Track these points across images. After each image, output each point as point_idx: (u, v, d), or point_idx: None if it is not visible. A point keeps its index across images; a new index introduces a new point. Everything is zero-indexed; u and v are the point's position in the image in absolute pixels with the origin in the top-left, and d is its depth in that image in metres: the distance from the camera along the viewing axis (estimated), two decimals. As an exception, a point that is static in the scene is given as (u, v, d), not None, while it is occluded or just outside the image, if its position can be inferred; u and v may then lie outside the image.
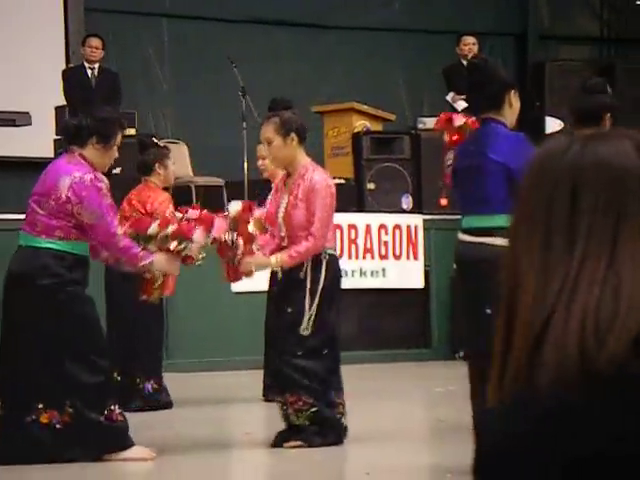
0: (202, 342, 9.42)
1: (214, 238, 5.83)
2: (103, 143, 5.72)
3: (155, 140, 8.15)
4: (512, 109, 5.25)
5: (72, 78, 10.22)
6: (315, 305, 5.89)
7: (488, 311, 5.10)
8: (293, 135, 5.99)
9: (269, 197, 6.30)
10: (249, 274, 5.96)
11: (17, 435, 5.56)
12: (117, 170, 10.03)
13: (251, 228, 5.89)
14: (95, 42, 10.33)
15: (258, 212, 5.97)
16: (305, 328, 5.89)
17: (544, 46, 13.39)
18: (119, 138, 5.81)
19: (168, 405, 7.49)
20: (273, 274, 6.25)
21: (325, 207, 5.98)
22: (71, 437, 5.55)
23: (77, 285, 5.68)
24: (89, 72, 10.28)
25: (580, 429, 1.10)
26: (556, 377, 1.12)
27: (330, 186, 6.09)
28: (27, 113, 9.69)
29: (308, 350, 5.94)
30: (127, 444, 5.65)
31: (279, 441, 5.95)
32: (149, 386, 7.44)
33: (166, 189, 7.90)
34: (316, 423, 5.92)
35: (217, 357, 9.37)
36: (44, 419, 5.56)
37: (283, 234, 5.98)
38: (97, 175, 5.71)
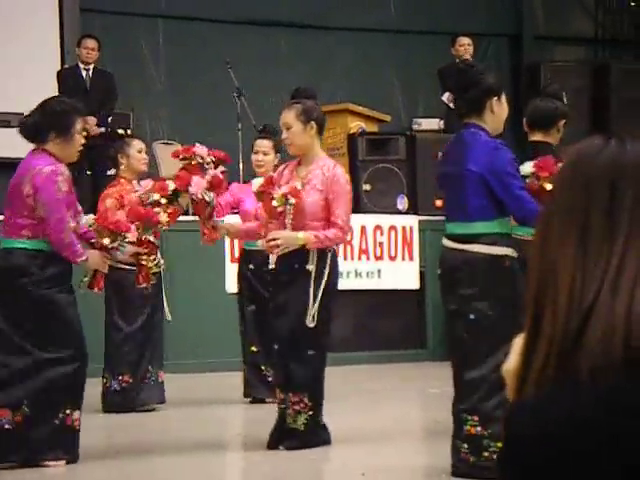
0: (196, 343, 9.41)
1: (192, 195, 5.90)
2: (63, 136, 5.70)
3: (121, 132, 8.16)
4: (495, 115, 5.21)
5: (67, 79, 10.22)
6: (319, 297, 5.88)
7: (472, 317, 5.14)
8: (313, 124, 6.03)
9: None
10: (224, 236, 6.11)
11: None
12: (112, 171, 10.05)
13: (275, 203, 5.90)
14: (91, 43, 10.32)
15: (285, 188, 5.96)
16: (310, 320, 5.88)
17: (539, 47, 13.39)
18: (79, 125, 5.76)
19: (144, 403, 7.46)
20: (242, 276, 6.30)
21: (348, 201, 6.06)
22: (19, 439, 5.50)
23: (53, 283, 5.63)
24: (84, 73, 10.27)
25: (622, 420, 1.10)
26: (600, 364, 1.13)
27: (349, 180, 6.24)
28: (22, 114, 9.68)
29: (317, 348, 5.93)
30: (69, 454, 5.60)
31: (274, 443, 5.94)
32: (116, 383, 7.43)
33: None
34: (310, 426, 5.92)
35: (211, 358, 9.36)
36: None
37: (288, 220, 5.98)
38: (58, 168, 5.66)
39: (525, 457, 1.13)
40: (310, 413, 5.91)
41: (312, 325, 5.85)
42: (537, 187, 5.32)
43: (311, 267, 5.90)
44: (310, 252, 5.93)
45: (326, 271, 5.94)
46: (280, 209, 5.91)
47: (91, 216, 6.15)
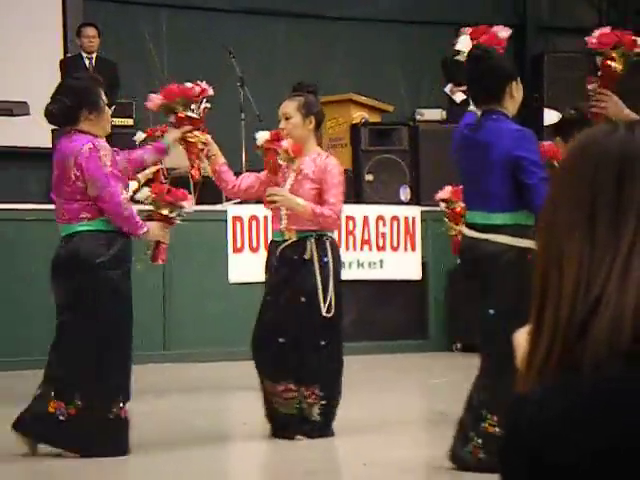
0: (199, 333, 9.42)
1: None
2: (95, 111, 5.66)
3: (122, 121, 8.07)
4: (513, 100, 5.14)
5: (70, 68, 10.19)
6: (332, 285, 5.87)
7: (491, 312, 5.03)
8: (312, 118, 6.06)
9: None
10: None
11: (29, 419, 5.54)
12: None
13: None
14: (91, 31, 10.30)
15: (286, 143, 5.95)
16: (327, 310, 5.87)
17: (542, 37, 13.37)
18: (104, 96, 5.74)
19: None
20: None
21: (340, 187, 6.04)
22: (72, 431, 5.49)
23: (117, 264, 5.59)
24: (87, 62, 10.26)
25: (623, 414, 1.10)
26: (604, 356, 1.12)
27: (342, 171, 6.21)
28: (25, 103, 9.66)
29: (331, 338, 5.94)
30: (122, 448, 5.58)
31: (287, 432, 5.93)
32: None
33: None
34: (324, 415, 5.94)
35: (213, 347, 9.37)
36: (51, 408, 5.52)
37: (284, 212, 5.99)
38: (96, 143, 5.62)
39: (526, 449, 1.13)
40: (323, 403, 5.91)
41: (329, 315, 5.85)
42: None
43: (308, 255, 5.90)
44: (308, 243, 5.93)
45: (330, 260, 5.94)
46: (283, 164, 5.91)
47: (146, 189, 6.03)
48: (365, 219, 10.10)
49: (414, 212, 10.30)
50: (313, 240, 5.93)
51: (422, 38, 12.63)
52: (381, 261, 10.15)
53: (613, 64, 5.07)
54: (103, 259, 5.55)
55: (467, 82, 5.39)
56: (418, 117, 11.52)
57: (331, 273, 5.89)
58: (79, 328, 5.53)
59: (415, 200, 10.44)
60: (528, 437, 1.13)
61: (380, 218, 10.16)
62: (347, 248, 9.97)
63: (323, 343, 5.90)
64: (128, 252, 5.72)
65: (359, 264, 10.05)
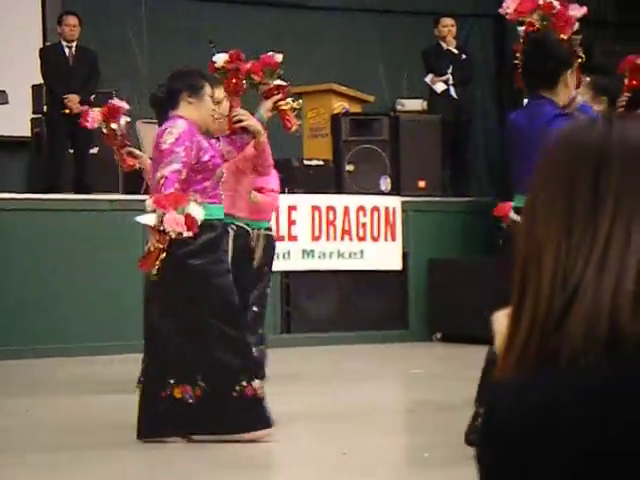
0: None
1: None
2: (195, 95, 5.58)
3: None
4: (567, 89, 5.00)
5: (50, 57, 10.16)
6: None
7: None
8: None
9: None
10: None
11: (153, 410, 5.48)
12: (94, 150, 10.01)
13: (271, 79, 5.90)
14: (72, 20, 10.26)
15: (250, 64, 5.94)
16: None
17: (523, 29, 13.37)
18: (208, 89, 5.67)
19: None
20: None
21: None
22: (203, 412, 5.43)
23: (209, 253, 5.51)
24: (67, 51, 10.21)
25: (598, 405, 1.10)
26: (582, 345, 1.12)
27: None
28: (4, 92, 9.63)
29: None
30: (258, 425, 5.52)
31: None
32: None
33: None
34: None
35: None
36: (177, 394, 5.46)
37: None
38: (180, 123, 5.49)
39: (503, 441, 1.13)
40: None
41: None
42: None
43: (253, 244, 6.25)
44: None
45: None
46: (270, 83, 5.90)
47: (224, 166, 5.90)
48: (346, 209, 10.11)
49: (394, 202, 10.31)
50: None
51: (403, 28, 12.62)
52: (362, 251, 10.16)
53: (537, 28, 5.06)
54: (190, 248, 5.42)
55: (523, 65, 5.16)
56: (399, 107, 11.53)
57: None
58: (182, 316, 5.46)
59: (396, 190, 10.46)
60: (505, 431, 1.13)
61: (361, 208, 10.17)
62: (328, 238, 9.97)
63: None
64: (218, 240, 5.59)
65: (339, 254, 10.06)
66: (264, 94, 5.95)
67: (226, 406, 5.46)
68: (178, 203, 5.30)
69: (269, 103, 5.93)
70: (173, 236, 5.28)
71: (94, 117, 6.16)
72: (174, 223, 5.25)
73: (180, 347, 5.47)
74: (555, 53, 4.99)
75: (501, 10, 5.27)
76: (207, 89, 5.67)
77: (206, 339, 5.47)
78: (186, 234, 5.29)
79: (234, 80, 5.89)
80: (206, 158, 5.57)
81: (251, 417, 5.52)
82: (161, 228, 5.26)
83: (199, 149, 5.54)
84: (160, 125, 5.71)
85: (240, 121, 5.84)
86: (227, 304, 5.55)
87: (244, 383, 5.49)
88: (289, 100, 6.01)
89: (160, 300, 5.51)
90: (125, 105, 6.39)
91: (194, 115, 5.59)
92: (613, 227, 1.16)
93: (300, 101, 6.24)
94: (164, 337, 5.50)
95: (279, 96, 5.95)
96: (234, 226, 6.04)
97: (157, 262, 5.34)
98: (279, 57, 6.02)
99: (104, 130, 6.25)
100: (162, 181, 5.38)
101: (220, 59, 6.00)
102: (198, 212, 5.36)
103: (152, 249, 5.35)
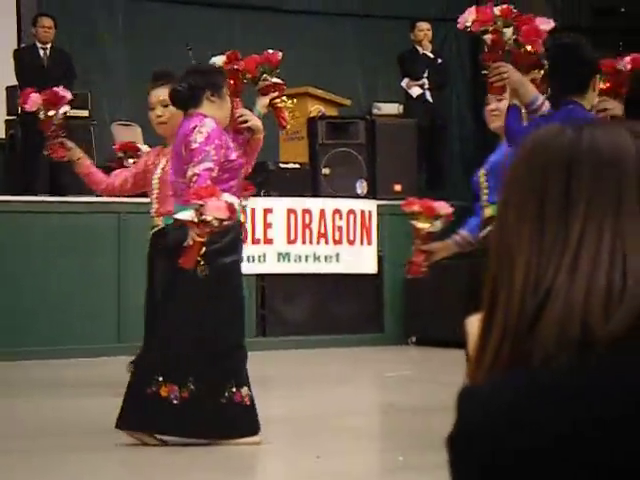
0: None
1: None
2: (217, 93, 5.54)
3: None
4: (594, 93, 5.03)
5: (24, 58, 10.12)
6: None
7: None
8: None
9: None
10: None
11: (137, 405, 5.43)
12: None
13: (270, 76, 5.87)
14: (47, 22, 10.22)
15: (243, 62, 5.89)
16: None
17: (499, 33, 13.41)
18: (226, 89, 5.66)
19: None
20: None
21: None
22: (186, 415, 5.39)
23: (233, 253, 5.48)
24: (41, 52, 10.17)
25: (566, 410, 1.10)
26: (554, 347, 1.12)
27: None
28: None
29: None
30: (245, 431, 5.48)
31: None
32: None
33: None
34: None
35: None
36: (163, 392, 5.41)
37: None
38: (206, 122, 5.42)
39: (472, 446, 1.13)
40: None
41: None
42: None
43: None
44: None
45: None
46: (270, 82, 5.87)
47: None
48: (321, 212, 10.11)
49: (370, 206, 10.32)
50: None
51: (379, 32, 12.65)
52: (337, 255, 10.16)
53: (502, 35, 5.11)
54: (217, 246, 5.37)
55: (550, 70, 5.14)
56: (375, 111, 11.54)
57: None
58: (183, 312, 5.44)
59: (372, 194, 10.47)
60: (473, 434, 1.12)
61: (337, 212, 10.18)
62: (304, 242, 9.97)
63: None
64: (239, 239, 5.58)
65: (315, 257, 10.06)
66: (261, 91, 5.94)
67: (214, 411, 5.42)
68: (215, 194, 5.21)
69: (266, 100, 5.92)
70: (215, 225, 5.13)
71: (34, 100, 6.11)
72: (217, 209, 5.13)
73: (181, 347, 5.43)
74: (588, 59, 5.01)
75: (459, 26, 5.32)
76: (227, 88, 5.66)
77: (210, 341, 5.43)
78: (227, 222, 5.18)
79: (233, 81, 5.86)
80: (233, 157, 5.55)
81: (240, 423, 5.50)
82: (202, 218, 5.12)
83: (227, 147, 5.52)
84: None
85: (246, 121, 5.82)
86: (238, 307, 5.57)
87: (233, 389, 5.47)
88: (285, 98, 6.01)
89: (180, 296, 5.45)
90: (69, 95, 6.22)
91: (217, 114, 5.55)
92: (584, 231, 1.16)
93: (295, 100, 6.25)
94: (168, 333, 5.47)
95: (276, 94, 5.94)
96: None
97: (198, 257, 5.24)
98: (279, 55, 6.01)
99: (41, 116, 6.17)
100: (194, 179, 5.30)
101: (217, 61, 5.97)
102: (234, 200, 5.28)
103: (192, 243, 5.22)
